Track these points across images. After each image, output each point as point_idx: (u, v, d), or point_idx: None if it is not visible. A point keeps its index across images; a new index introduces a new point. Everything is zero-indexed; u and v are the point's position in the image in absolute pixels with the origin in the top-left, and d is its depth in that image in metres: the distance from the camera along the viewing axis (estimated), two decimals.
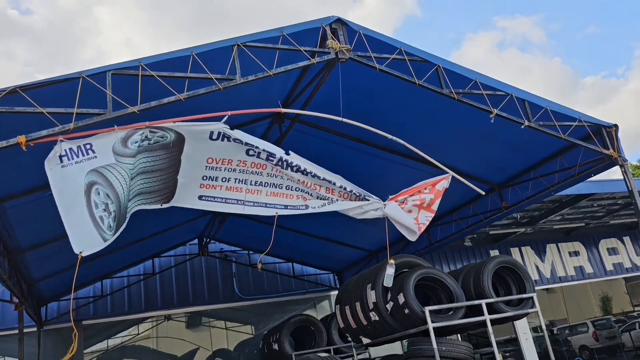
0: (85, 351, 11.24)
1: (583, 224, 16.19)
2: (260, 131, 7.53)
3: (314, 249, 11.77)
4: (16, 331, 10.31)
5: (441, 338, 6.36)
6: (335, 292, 12.86)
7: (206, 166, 4.90)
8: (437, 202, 5.30)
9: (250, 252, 12.91)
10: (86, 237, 4.30)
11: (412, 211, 5.26)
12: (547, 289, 19.82)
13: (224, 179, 4.98)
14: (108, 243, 4.35)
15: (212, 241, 12.20)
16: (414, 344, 6.50)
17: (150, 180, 4.71)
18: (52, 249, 8.01)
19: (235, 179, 5.02)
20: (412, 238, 5.34)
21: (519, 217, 13.33)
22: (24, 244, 7.53)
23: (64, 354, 11.16)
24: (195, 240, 12.43)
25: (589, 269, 16.73)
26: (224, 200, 5.03)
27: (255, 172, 5.04)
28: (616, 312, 24.77)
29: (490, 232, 14.93)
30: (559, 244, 16.67)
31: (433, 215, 5.32)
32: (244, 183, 5.05)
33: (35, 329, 10.49)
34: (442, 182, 5.36)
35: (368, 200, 5.19)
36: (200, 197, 4.96)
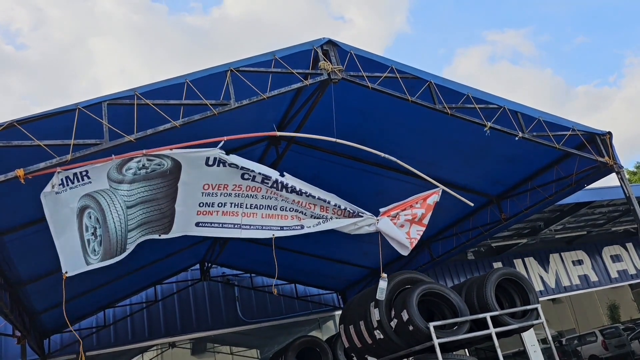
0: None
1: (585, 232, 16.16)
2: (257, 154, 7.58)
3: (316, 269, 11.73)
4: None
5: (447, 354, 6.31)
6: (339, 312, 12.78)
7: (202, 192, 4.93)
8: (428, 216, 5.38)
9: (252, 275, 12.86)
10: (72, 258, 4.38)
11: (404, 225, 5.33)
12: (553, 300, 19.72)
13: (220, 204, 5.02)
14: (91, 268, 4.38)
15: (213, 266, 12.17)
16: None
17: (149, 209, 4.73)
18: (53, 281, 7.98)
19: (231, 203, 5.06)
20: (405, 253, 5.40)
21: (523, 225, 13.32)
22: (25, 276, 7.52)
23: None
24: (197, 266, 12.40)
25: (593, 277, 16.65)
26: (220, 225, 5.07)
27: (251, 195, 5.08)
28: (624, 319, 24.57)
29: (493, 245, 14.90)
30: (562, 254, 16.61)
31: (424, 229, 5.38)
32: (240, 207, 5.09)
33: None
34: (433, 197, 5.44)
35: (362, 216, 5.26)
36: (197, 224, 5.00)
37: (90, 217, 4.45)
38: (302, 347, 10.33)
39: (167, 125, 4.74)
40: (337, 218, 5.20)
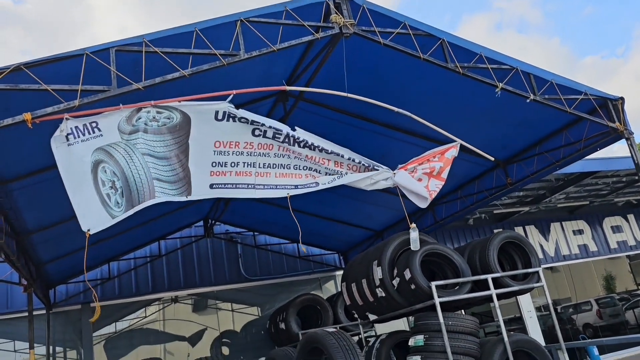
0: (94, 334, 11.35)
1: (587, 202, 16.19)
2: (264, 110, 7.51)
3: (319, 230, 11.81)
4: (24, 314, 10.45)
5: (447, 312, 6.41)
6: (341, 272, 12.94)
7: (214, 151, 4.85)
8: (447, 170, 5.28)
9: (255, 233, 12.97)
10: (94, 215, 4.32)
11: (422, 179, 5.24)
12: (551, 269, 19.91)
13: (232, 164, 4.94)
14: (118, 220, 4.36)
15: (217, 223, 12.26)
16: (421, 319, 6.55)
17: (167, 168, 4.66)
18: (60, 231, 8.06)
19: (244, 162, 4.98)
20: (423, 205, 5.30)
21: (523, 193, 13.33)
22: (31, 226, 7.57)
23: (72, 337, 11.31)
24: (201, 222, 12.50)
25: (593, 247, 16.78)
26: (234, 185, 4.98)
27: (263, 153, 5.00)
28: (620, 290, 24.87)
29: (495, 212, 14.95)
30: (563, 223, 16.70)
31: (443, 183, 5.29)
32: (253, 166, 5.01)
33: (44, 311, 10.60)
34: (451, 151, 5.33)
35: (377, 170, 5.17)
36: (211, 186, 4.90)
37: (105, 172, 4.40)
38: (303, 304, 10.51)
39: (176, 75, 4.67)
40: (352, 173, 5.12)
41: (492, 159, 5.73)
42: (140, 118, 4.49)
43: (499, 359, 6.23)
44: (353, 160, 5.08)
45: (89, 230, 4.32)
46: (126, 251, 11.51)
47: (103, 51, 4.53)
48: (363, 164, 5.12)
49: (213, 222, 12.06)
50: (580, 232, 16.86)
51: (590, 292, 23.98)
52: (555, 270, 22.21)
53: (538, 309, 17.50)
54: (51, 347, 10.76)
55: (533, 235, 15.88)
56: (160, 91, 4.75)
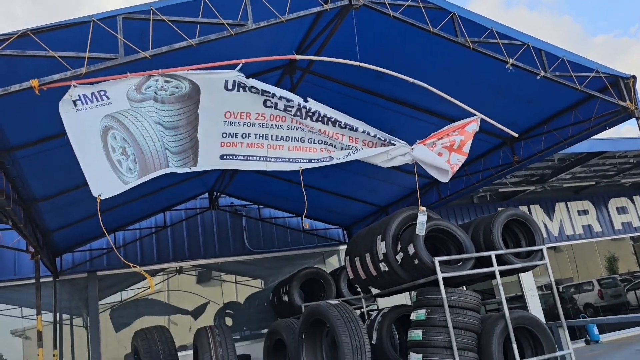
0: (99, 303, 11.53)
1: (593, 183, 16.13)
2: (271, 82, 7.44)
3: (324, 204, 11.84)
4: (31, 281, 10.60)
5: (450, 288, 6.45)
6: (344, 247, 13.02)
7: (225, 121, 4.78)
8: (468, 144, 5.09)
9: (260, 206, 13.03)
10: (104, 180, 4.31)
11: (442, 154, 5.05)
12: (554, 248, 19.97)
13: (244, 135, 4.86)
14: (131, 186, 4.35)
15: (222, 195, 12.30)
16: (423, 293, 6.60)
17: (172, 137, 4.62)
18: (66, 200, 8.11)
19: (256, 134, 4.90)
20: (445, 179, 5.14)
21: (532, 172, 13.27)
22: (38, 194, 7.62)
23: (78, 304, 11.50)
24: (206, 195, 12.55)
25: (597, 228, 16.78)
26: (245, 157, 4.90)
27: (275, 125, 4.92)
28: (622, 272, 24.96)
29: (500, 190, 14.92)
30: (568, 203, 16.66)
31: (465, 157, 5.10)
32: (265, 138, 4.93)
33: (50, 279, 10.75)
34: (472, 125, 5.15)
35: (394, 144, 5.01)
36: (222, 157, 4.83)
37: (115, 138, 4.37)
38: (307, 277, 10.61)
39: (183, 44, 4.63)
40: (367, 148, 4.99)
41: (516, 134, 5.56)
42: (149, 87, 4.46)
43: (500, 335, 6.30)
44: (368, 134, 4.94)
45: (100, 195, 4.32)
46: (131, 221, 11.60)
47: (110, 18, 4.48)
48: (379, 138, 4.98)
49: (218, 194, 12.11)
50: (585, 212, 16.84)
51: (592, 272, 24.08)
52: (558, 250, 22.28)
53: (540, 288, 17.59)
54: (58, 314, 10.94)
55: (537, 215, 15.87)
56: (167, 61, 4.71)
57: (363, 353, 5.59)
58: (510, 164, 8.22)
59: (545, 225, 15.96)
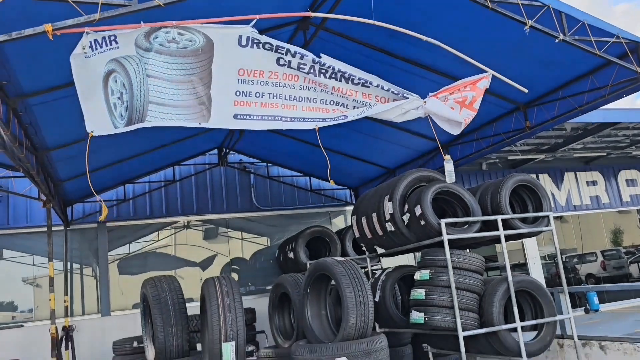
0: (109, 253, 11.77)
1: (605, 154, 16.01)
2: (283, 39, 7.36)
3: (332, 164, 11.82)
4: (43, 229, 10.81)
5: (454, 250, 6.52)
6: (351, 208, 13.11)
7: (238, 79, 4.76)
8: (479, 100, 5.08)
9: (268, 164, 13.08)
10: (99, 120, 4.44)
11: (454, 108, 5.05)
12: (560, 218, 20.01)
13: (257, 94, 4.84)
14: (118, 131, 4.45)
15: (231, 152, 12.35)
16: (428, 254, 6.67)
17: (183, 92, 4.61)
18: (78, 150, 8.17)
19: (269, 93, 4.88)
20: (456, 131, 5.14)
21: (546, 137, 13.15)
22: (50, 143, 7.69)
23: (88, 254, 11.75)
24: (215, 151, 12.61)
25: (605, 199, 16.74)
26: (260, 117, 4.88)
27: (288, 85, 4.89)
28: (626, 244, 25.05)
29: (509, 158, 14.86)
30: (578, 173, 16.59)
31: (474, 114, 5.10)
32: (279, 98, 4.91)
33: (61, 228, 10.95)
34: (483, 81, 5.12)
35: (407, 98, 5.01)
36: (235, 116, 4.81)
37: (116, 81, 4.45)
38: (313, 236, 10.74)
39: None
40: (380, 104, 5.00)
41: (526, 90, 5.48)
42: (157, 37, 4.43)
43: (502, 297, 6.39)
44: (382, 88, 4.92)
45: (92, 132, 4.44)
46: (141, 174, 11.71)
47: None
48: (392, 92, 4.96)
49: (227, 151, 12.16)
50: (594, 183, 16.77)
51: (596, 244, 24.18)
52: (564, 220, 22.32)
53: (543, 257, 17.71)
54: (68, 264, 11.20)
55: (546, 184, 15.83)
56: (180, 12, 4.67)
57: (366, 308, 5.71)
58: (522, 130, 8.16)
59: (553, 195, 15.95)
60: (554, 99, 7.62)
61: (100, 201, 4.97)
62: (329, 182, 13.21)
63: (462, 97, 5.01)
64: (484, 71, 5.16)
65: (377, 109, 4.96)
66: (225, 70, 4.64)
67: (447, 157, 5.54)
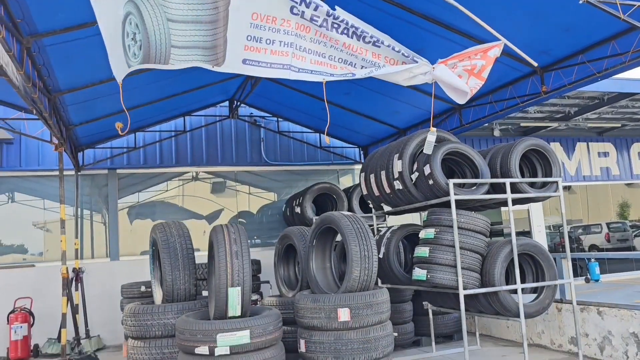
0: (118, 201, 11.94)
1: (619, 125, 15.82)
2: None
3: (343, 122, 11.82)
4: (54, 172, 10.97)
5: (460, 210, 6.56)
6: (359, 167, 13.14)
7: (251, 23, 4.70)
8: (488, 69, 5.04)
9: (279, 119, 13.05)
10: (120, 64, 4.46)
11: (462, 76, 5.01)
12: (568, 188, 19.96)
13: (268, 41, 4.79)
14: (131, 70, 4.46)
15: (242, 105, 12.31)
16: (434, 213, 6.72)
17: (201, 33, 4.57)
18: (90, 94, 8.19)
19: (280, 41, 4.84)
20: (462, 100, 5.13)
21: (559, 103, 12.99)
22: (63, 85, 7.69)
23: (98, 200, 11.91)
24: (226, 103, 12.57)
25: (615, 171, 16.65)
26: (269, 65, 4.84)
27: (300, 35, 4.84)
28: (633, 218, 25.03)
29: (522, 124, 14.73)
30: (590, 143, 16.46)
31: (483, 83, 5.08)
32: (289, 47, 4.86)
33: (73, 172, 11.10)
34: (494, 50, 5.06)
35: (417, 62, 4.98)
36: (244, 61, 4.79)
37: (130, 23, 4.43)
38: (320, 192, 10.81)
39: None
40: (389, 66, 4.96)
41: (535, 64, 5.46)
42: None
43: (504, 259, 6.47)
44: (392, 49, 4.87)
45: (121, 81, 4.49)
46: (152, 123, 11.74)
47: None
48: (403, 54, 4.92)
49: (238, 103, 12.10)
50: (606, 154, 16.64)
51: (603, 216, 24.17)
52: (572, 191, 22.27)
53: (547, 227, 17.76)
54: (79, 209, 11.39)
55: (556, 153, 15.72)
56: None
57: (370, 262, 5.81)
58: (538, 95, 8.04)
59: (563, 164, 15.88)
60: (572, 64, 7.47)
61: (125, 111, 5.07)
62: (339, 138, 13.25)
63: (471, 65, 4.96)
64: (497, 38, 5.08)
65: (385, 70, 4.92)
66: (240, 12, 4.60)
67: (433, 129, 5.59)
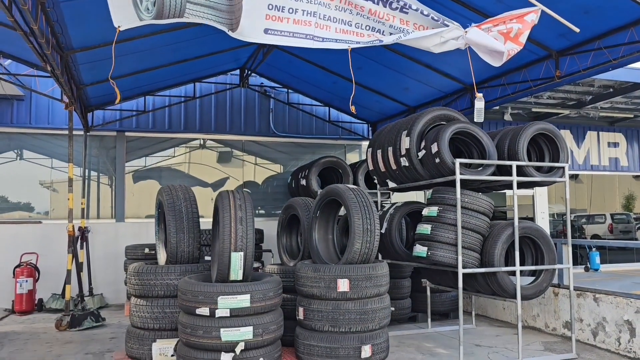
0: (126, 164, 12.02)
1: (632, 116, 15.66)
2: None
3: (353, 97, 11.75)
4: (63, 131, 11.03)
5: (465, 190, 6.58)
6: (367, 143, 13.12)
7: None
8: (526, 34, 4.77)
9: (289, 90, 13.01)
10: (125, 13, 4.48)
11: (497, 39, 4.82)
12: (575, 177, 19.88)
13: (290, 10, 4.72)
14: (144, 23, 4.48)
15: (253, 74, 12.26)
16: (438, 192, 6.75)
17: None
18: (102, 55, 8.17)
19: (303, 10, 4.76)
20: (497, 63, 4.87)
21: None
22: (76, 43, 7.68)
23: (105, 161, 12.00)
24: (237, 71, 12.52)
25: (623, 162, 16.56)
26: (291, 34, 4.77)
27: (324, 3, 4.76)
28: (638, 211, 24.98)
29: (533, 110, 14.61)
30: (600, 133, 16.34)
31: (521, 48, 4.79)
32: (313, 16, 4.79)
33: (82, 132, 11.16)
34: (531, 15, 4.82)
35: (447, 26, 4.81)
36: (266, 31, 4.71)
37: None
38: (326, 165, 10.85)
39: None
40: (418, 31, 4.82)
41: (577, 30, 5.18)
42: None
43: (506, 241, 6.51)
44: (421, 13, 4.73)
45: (119, 26, 4.50)
46: (162, 87, 11.73)
47: None
48: (432, 18, 4.76)
49: (249, 72, 12.06)
50: (616, 145, 16.53)
51: (607, 207, 24.12)
52: (578, 181, 22.20)
53: (551, 215, 17.76)
54: (86, 170, 11.49)
55: (566, 140, 15.64)
56: None
57: (372, 236, 5.87)
58: (551, 79, 7.96)
59: (572, 152, 15.80)
60: (588, 50, 7.38)
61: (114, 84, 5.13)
62: (348, 114, 13.21)
63: (506, 29, 4.74)
64: (532, 5, 4.90)
65: (415, 35, 4.78)
66: None
67: (479, 95, 5.38)
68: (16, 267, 10.26)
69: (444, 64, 9.13)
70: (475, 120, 5.66)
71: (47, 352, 7.01)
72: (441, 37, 4.76)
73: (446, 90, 10.12)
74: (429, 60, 9.01)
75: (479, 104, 5.31)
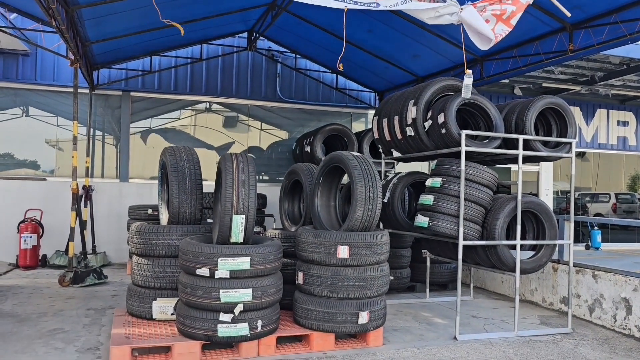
0: (131, 125, 11.98)
1: None
2: None
3: (361, 63, 11.60)
4: (68, 89, 10.97)
5: (470, 162, 6.53)
6: (373, 112, 13.01)
7: None
8: (518, 16, 4.89)
9: (297, 55, 12.83)
10: None
11: (489, 20, 4.89)
12: (582, 155, 19.74)
13: None
14: None
15: (261, 38, 12.08)
16: (443, 163, 6.70)
17: None
18: (108, 10, 8.04)
19: None
20: (485, 47, 5.04)
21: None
22: None
23: (110, 120, 11.96)
24: (245, 34, 12.34)
25: (632, 141, 16.41)
26: None
27: None
28: None
29: (544, 85, 14.39)
30: (610, 111, 16.14)
31: (510, 30, 4.96)
32: None
33: (87, 90, 11.09)
34: None
35: (445, 1, 4.85)
36: None
37: None
38: (332, 133, 10.78)
39: None
40: (416, 1, 4.84)
41: (569, 14, 5.25)
42: None
43: (508, 214, 6.49)
44: None
45: None
46: (168, 48, 11.58)
47: None
48: None
49: (257, 35, 11.87)
50: (625, 123, 16.34)
51: (612, 187, 24.02)
52: (584, 159, 22.05)
53: (555, 192, 17.70)
54: (92, 130, 11.47)
55: (575, 117, 15.47)
56: None
57: (374, 204, 5.85)
58: (564, 52, 7.80)
59: (580, 129, 15.65)
60: (604, 23, 7.20)
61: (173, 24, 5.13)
62: (355, 81, 13.06)
63: (501, 9, 4.81)
64: None
65: (412, 5, 4.80)
66: None
67: (469, 72, 5.45)
68: (20, 222, 10.37)
69: (457, 33, 8.94)
70: (462, 96, 5.73)
71: (50, 306, 7.13)
72: (437, 11, 4.84)
73: (457, 60, 9.94)
74: (441, 28, 8.83)
75: (468, 80, 5.38)
